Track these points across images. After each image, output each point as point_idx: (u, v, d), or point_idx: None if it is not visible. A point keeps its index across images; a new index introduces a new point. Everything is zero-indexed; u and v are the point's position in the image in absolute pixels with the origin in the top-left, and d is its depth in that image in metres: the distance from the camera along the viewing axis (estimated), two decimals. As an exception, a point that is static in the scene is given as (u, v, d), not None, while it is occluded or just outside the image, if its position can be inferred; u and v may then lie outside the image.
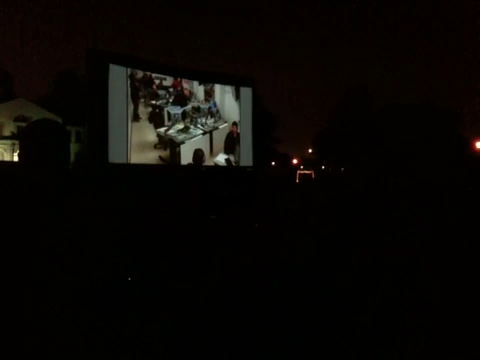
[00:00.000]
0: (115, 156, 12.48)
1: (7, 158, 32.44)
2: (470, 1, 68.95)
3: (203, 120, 15.30)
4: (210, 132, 15.42)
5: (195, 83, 15.24)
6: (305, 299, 3.00)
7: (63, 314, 1.17)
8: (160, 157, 13.99)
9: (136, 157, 13.20)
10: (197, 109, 15.18)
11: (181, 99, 14.73)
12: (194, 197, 7.41)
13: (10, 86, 39.86)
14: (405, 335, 2.50)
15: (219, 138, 15.65)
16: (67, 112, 32.53)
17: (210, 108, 15.61)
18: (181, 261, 3.69)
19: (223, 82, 16.00)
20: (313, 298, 3.00)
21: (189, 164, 14.54)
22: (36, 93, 47.59)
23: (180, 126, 14.61)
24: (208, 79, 15.61)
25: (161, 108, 14.18)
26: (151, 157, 13.74)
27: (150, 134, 13.76)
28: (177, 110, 14.57)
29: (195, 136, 14.97)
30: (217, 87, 15.81)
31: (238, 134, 16.23)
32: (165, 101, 14.32)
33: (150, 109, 13.84)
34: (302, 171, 26.86)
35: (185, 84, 14.96)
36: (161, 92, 14.25)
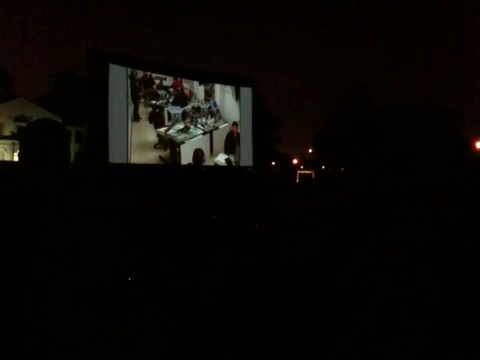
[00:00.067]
0: (115, 156, 12.49)
1: (7, 158, 32.43)
2: (470, 1, 68.95)
3: (203, 120, 15.30)
4: (210, 132, 15.42)
5: (195, 83, 15.24)
6: (305, 299, 3.00)
7: (63, 314, 1.17)
8: (160, 157, 13.99)
9: (136, 157, 13.21)
10: (197, 109, 15.19)
11: (181, 99, 14.73)
12: (194, 197, 7.41)
13: (10, 86, 39.86)
14: (405, 335, 2.50)
15: (219, 138, 15.65)
16: (67, 112, 32.54)
17: (210, 108, 15.61)
18: (181, 261, 3.69)
19: (223, 82, 16.01)
20: (313, 298, 3.00)
21: (189, 164, 14.54)
22: (36, 93, 47.61)
23: (180, 126, 14.61)
24: (208, 79, 15.61)
25: (161, 108, 14.18)
26: (151, 157, 13.74)
27: (150, 134, 13.77)
28: (177, 110, 14.57)
29: (195, 136, 14.97)
30: (217, 87, 15.81)
31: (238, 134, 16.23)
32: (165, 101, 14.33)
33: (150, 109, 13.85)
34: (302, 171, 26.86)
35: (185, 84, 14.96)
36: (161, 92, 14.26)
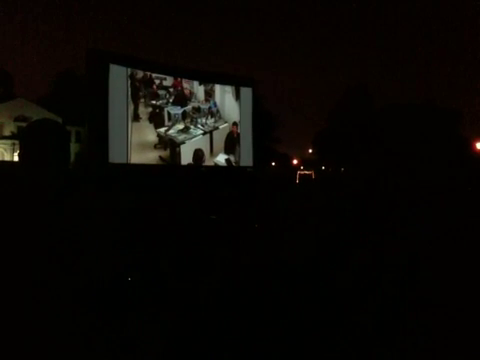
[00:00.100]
0: (115, 156, 12.49)
1: (7, 158, 32.42)
2: (470, 1, 68.98)
3: (203, 120, 15.31)
4: (210, 132, 15.43)
5: (195, 83, 15.25)
6: (305, 299, 3.00)
7: (63, 314, 1.17)
8: (160, 157, 13.99)
9: (136, 157, 13.21)
10: (197, 109, 15.19)
11: (181, 99, 14.74)
12: (194, 197, 7.41)
13: (10, 86, 39.86)
14: (405, 335, 2.51)
15: (219, 138, 15.66)
16: (67, 112, 32.54)
17: (210, 108, 15.61)
18: (181, 261, 3.69)
19: (223, 82, 16.01)
20: (313, 298, 3.00)
21: (189, 164, 14.55)
22: (36, 93, 47.58)
23: (180, 126, 14.61)
24: (208, 79, 15.61)
25: (161, 108, 14.18)
26: (151, 157, 13.74)
27: (150, 134, 13.77)
28: (177, 110, 14.58)
29: (195, 136, 14.97)
30: (217, 87, 15.81)
31: (238, 134, 16.23)
32: (165, 101, 14.33)
33: (150, 109, 13.85)
34: (302, 171, 26.87)
35: (185, 84, 14.97)
36: (161, 92, 14.26)
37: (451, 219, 4.55)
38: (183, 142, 14.58)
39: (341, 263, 3.44)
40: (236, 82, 16.44)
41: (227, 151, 15.83)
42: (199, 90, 15.35)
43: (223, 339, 2.58)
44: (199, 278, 3.30)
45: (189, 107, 14.95)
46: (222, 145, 15.72)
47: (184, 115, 14.75)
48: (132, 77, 13.43)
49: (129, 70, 13.36)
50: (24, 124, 21.34)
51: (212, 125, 15.53)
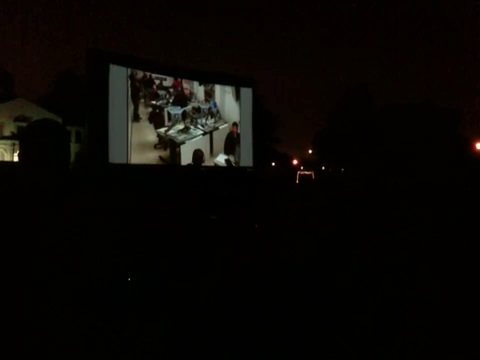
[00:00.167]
0: (115, 156, 12.50)
1: (7, 158, 32.42)
2: (470, 1, 69.01)
3: (203, 120, 15.31)
4: (210, 132, 15.43)
5: (195, 83, 15.25)
6: (305, 299, 3.00)
7: (63, 314, 1.17)
8: (160, 157, 14.00)
9: (136, 157, 13.22)
10: (197, 109, 15.19)
11: (181, 99, 14.74)
12: (194, 197, 7.41)
13: (10, 86, 39.86)
14: (405, 335, 2.51)
15: (219, 138, 15.66)
16: (67, 112, 32.54)
17: (210, 108, 15.62)
18: (181, 261, 3.69)
19: (223, 82, 16.02)
20: (313, 298, 3.00)
21: (189, 164, 14.55)
22: (36, 93, 47.54)
23: (180, 126, 14.62)
24: (208, 79, 15.62)
25: (161, 108, 14.19)
26: (151, 157, 13.75)
27: (150, 134, 13.78)
28: (177, 110, 14.58)
29: (195, 136, 14.98)
30: (217, 87, 15.82)
31: (238, 134, 16.24)
32: (165, 101, 14.34)
33: (150, 109, 13.86)
34: (302, 172, 26.86)
35: (185, 84, 14.97)
36: (161, 92, 14.27)
37: (451, 219, 4.55)
38: (183, 142, 14.59)
39: (341, 263, 3.44)
40: (236, 82, 16.44)
41: (227, 151, 15.83)
42: (199, 90, 15.36)
43: (223, 339, 2.58)
44: (199, 278, 3.30)
45: (189, 107, 14.96)
46: (222, 145, 15.72)
47: (184, 115, 14.76)
48: (132, 77, 13.44)
49: (129, 70, 13.36)
50: (24, 124, 21.34)
51: (212, 125, 15.53)
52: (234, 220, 5.92)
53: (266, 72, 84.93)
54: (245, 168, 16.26)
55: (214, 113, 15.70)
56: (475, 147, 25.21)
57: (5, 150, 33.73)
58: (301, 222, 5.36)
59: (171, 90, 14.55)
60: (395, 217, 4.85)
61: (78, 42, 62.00)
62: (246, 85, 16.63)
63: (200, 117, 15.24)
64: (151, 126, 13.81)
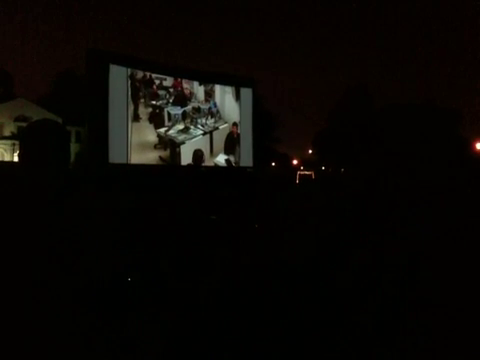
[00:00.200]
0: (115, 156, 12.50)
1: (7, 158, 32.42)
2: (470, 1, 69.05)
3: (203, 120, 15.31)
4: (210, 132, 15.43)
5: (195, 83, 15.25)
6: (305, 299, 3.00)
7: (63, 314, 1.17)
8: (160, 157, 14.00)
9: (136, 157, 13.22)
10: (197, 109, 15.19)
11: (181, 99, 14.74)
12: (194, 197, 7.41)
13: (10, 86, 39.86)
14: (405, 335, 2.51)
15: (219, 138, 15.66)
16: (67, 112, 32.54)
17: (210, 108, 15.62)
18: (181, 261, 3.69)
19: (223, 82, 16.02)
20: (313, 298, 3.00)
21: (189, 164, 14.55)
22: (36, 93, 47.50)
23: (180, 126, 14.62)
24: (208, 79, 15.62)
25: (161, 108, 14.19)
26: (151, 157, 13.75)
27: (150, 134, 13.78)
28: (177, 110, 14.58)
29: (195, 136, 14.98)
30: (217, 87, 15.82)
31: (238, 134, 16.24)
32: (165, 101, 14.34)
33: (150, 109, 13.85)
34: (302, 172, 26.86)
35: (185, 84, 14.97)
36: (161, 92, 14.27)
37: (451, 219, 4.55)
38: (183, 142, 14.59)
39: (341, 263, 3.44)
40: (236, 82, 16.44)
41: (227, 151, 15.83)
42: (199, 90, 15.36)
43: (223, 339, 2.58)
44: (199, 278, 3.30)
45: (189, 107, 14.96)
46: (222, 145, 15.72)
47: (184, 115, 14.76)
48: (132, 77, 13.44)
49: (129, 70, 13.36)
50: (24, 124, 21.36)
51: (212, 125, 15.53)
52: (234, 220, 5.92)
53: (266, 72, 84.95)
54: (245, 168, 16.26)
55: (214, 113, 15.70)
56: (475, 147, 25.21)
57: (5, 150, 33.73)
58: (301, 222, 5.36)
59: (171, 90, 14.55)
60: (395, 217, 4.85)
61: (78, 42, 62.04)
62: (246, 85, 16.63)
63: (200, 117, 15.24)
64: (151, 126, 13.81)
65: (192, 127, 14.94)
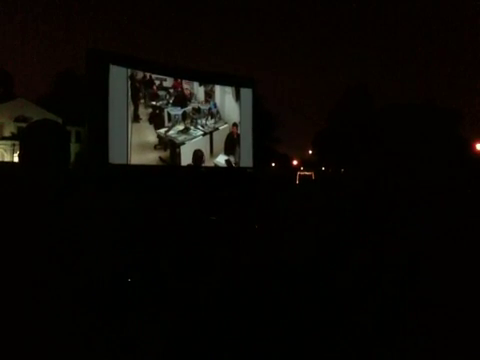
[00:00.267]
0: (115, 157, 12.50)
1: (7, 159, 32.42)
2: (470, 1, 69.10)
3: (203, 121, 15.31)
4: (210, 133, 15.44)
5: (195, 84, 15.26)
6: (305, 299, 3.00)
7: (63, 314, 1.17)
8: (160, 158, 14.00)
9: (136, 158, 13.22)
10: (197, 110, 15.20)
11: (181, 100, 14.74)
12: (194, 198, 7.41)
13: (10, 86, 39.85)
14: (405, 335, 2.51)
15: (219, 139, 15.66)
16: (67, 112, 32.54)
17: (210, 109, 15.62)
18: (181, 261, 3.69)
19: (223, 83, 16.02)
20: (313, 298, 3.00)
21: (189, 165, 14.55)
22: (36, 93, 47.45)
23: (180, 127, 14.62)
24: (208, 80, 15.62)
25: (161, 109, 14.19)
26: (151, 158, 13.75)
27: (150, 135, 13.78)
28: (177, 111, 14.58)
29: (195, 137, 14.98)
30: (217, 88, 15.82)
31: (238, 135, 16.24)
32: (165, 102, 14.34)
33: (150, 110, 13.86)
34: (302, 172, 26.87)
35: (185, 85, 14.97)
36: (161, 93, 14.27)
37: (451, 219, 4.55)
38: (183, 143, 14.59)
39: (341, 263, 3.44)
40: (236, 83, 16.45)
41: (227, 152, 15.83)
42: (199, 91, 15.37)
43: (223, 339, 2.58)
44: (199, 278, 3.30)
45: (189, 108, 14.96)
46: (222, 146, 15.72)
47: (184, 116, 14.76)
48: (132, 78, 13.44)
49: (129, 71, 13.37)
50: (24, 124, 21.35)
51: (212, 126, 15.54)
52: (234, 220, 5.92)
53: (266, 72, 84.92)
54: (245, 168, 16.26)
55: (214, 114, 15.70)
56: (475, 147, 25.20)
57: (5, 150, 33.74)
58: (301, 222, 5.36)
59: (171, 91, 14.55)
60: (395, 217, 4.85)
61: (78, 42, 61.94)
62: (246, 85, 16.63)
63: (200, 118, 15.24)
64: (151, 127, 13.82)
65: (192, 128, 14.94)
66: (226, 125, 15.90)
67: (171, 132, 14.31)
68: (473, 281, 2.94)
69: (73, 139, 32.14)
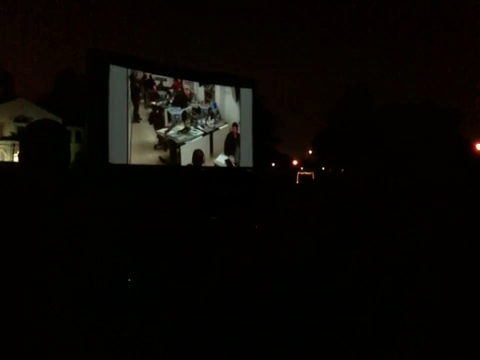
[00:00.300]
0: (115, 157, 12.49)
1: (7, 159, 32.42)
2: (470, 1, 69.10)
3: (203, 121, 15.31)
4: (210, 133, 15.43)
5: (195, 84, 15.25)
6: (305, 299, 3.00)
7: (63, 314, 1.17)
8: (160, 158, 14.00)
9: (136, 158, 13.21)
10: (197, 110, 15.19)
11: (181, 100, 14.74)
12: (194, 198, 7.41)
13: (10, 86, 39.82)
14: (405, 335, 2.51)
15: (219, 139, 15.66)
16: (67, 112, 32.53)
17: (210, 109, 15.61)
18: (181, 261, 3.69)
19: (223, 83, 16.01)
20: (313, 298, 3.00)
21: (189, 165, 14.55)
22: (36, 93, 47.41)
23: (180, 127, 14.62)
24: (208, 80, 15.62)
25: (161, 109, 14.19)
26: (151, 158, 13.74)
27: (150, 135, 13.78)
28: (177, 111, 14.58)
29: (195, 137, 14.98)
30: (217, 88, 15.82)
31: (238, 135, 16.24)
32: (165, 102, 14.34)
33: (150, 110, 13.85)
34: (302, 172, 26.88)
35: (185, 85, 14.97)
36: (161, 93, 14.27)
37: (451, 219, 4.55)
38: (183, 143, 14.59)
39: (341, 263, 3.44)
40: (236, 83, 16.44)
41: (227, 152, 15.83)
42: (199, 91, 15.36)
43: (223, 339, 2.58)
44: (199, 278, 3.30)
45: (189, 108, 14.96)
46: (222, 146, 15.72)
47: (184, 116, 14.76)
48: (132, 78, 13.44)
49: (129, 71, 13.36)
50: (24, 124, 21.37)
51: (212, 126, 15.53)
52: (234, 220, 5.92)
53: (266, 72, 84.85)
54: (245, 169, 16.26)
55: (214, 114, 15.70)
56: (475, 147, 25.19)
57: (5, 150, 33.74)
58: (301, 222, 5.36)
59: (171, 91, 14.55)
60: (395, 217, 4.85)
61: (78, 42, 61.94)
62: (246, 86, 16.63)
63: (200, 118, 15.24)
64: (151, 127, 13.81)
65: (192, 128, 14.94)
66: (226, 125, 15.90)
67: (171, 132, 14.31)
68: (473, 281, 2.94)
69: (73, 139, 32.13)
